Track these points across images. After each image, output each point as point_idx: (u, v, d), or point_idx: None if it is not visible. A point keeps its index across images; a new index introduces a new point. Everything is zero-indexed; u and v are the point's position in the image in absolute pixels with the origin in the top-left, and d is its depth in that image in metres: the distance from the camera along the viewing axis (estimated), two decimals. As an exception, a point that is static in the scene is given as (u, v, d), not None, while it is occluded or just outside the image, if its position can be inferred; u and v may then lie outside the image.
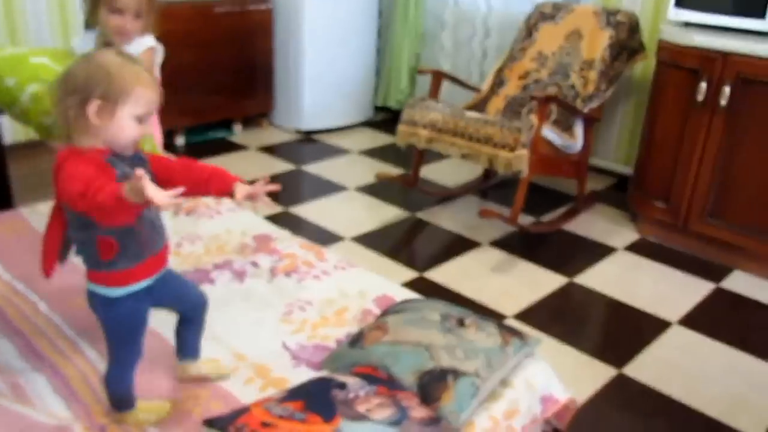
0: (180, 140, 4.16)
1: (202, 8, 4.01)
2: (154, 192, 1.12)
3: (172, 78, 3.98)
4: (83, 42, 2.05)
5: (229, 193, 1.42)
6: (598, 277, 2.84)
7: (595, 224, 3.33)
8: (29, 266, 2.33)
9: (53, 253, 1.46)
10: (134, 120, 1.28)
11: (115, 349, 1.45)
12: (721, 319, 2.59)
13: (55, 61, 1.87)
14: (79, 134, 1.29)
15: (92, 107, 1.25)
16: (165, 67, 3.89)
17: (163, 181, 1.35)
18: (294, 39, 4.24)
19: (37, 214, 2.73)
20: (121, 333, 1.43)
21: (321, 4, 4.18)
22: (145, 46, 2.05)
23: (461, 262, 2.92)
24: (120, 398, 1.48)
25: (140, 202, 1.15)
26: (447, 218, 3.33)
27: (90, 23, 2.02)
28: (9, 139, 3.19)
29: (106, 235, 1.33)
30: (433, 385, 1.57)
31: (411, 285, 2.64)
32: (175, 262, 2.09)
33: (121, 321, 1.42)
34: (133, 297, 1.41)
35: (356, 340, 1.74)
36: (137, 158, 1.37)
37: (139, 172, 1.12)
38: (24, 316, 2.09)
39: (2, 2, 3.56)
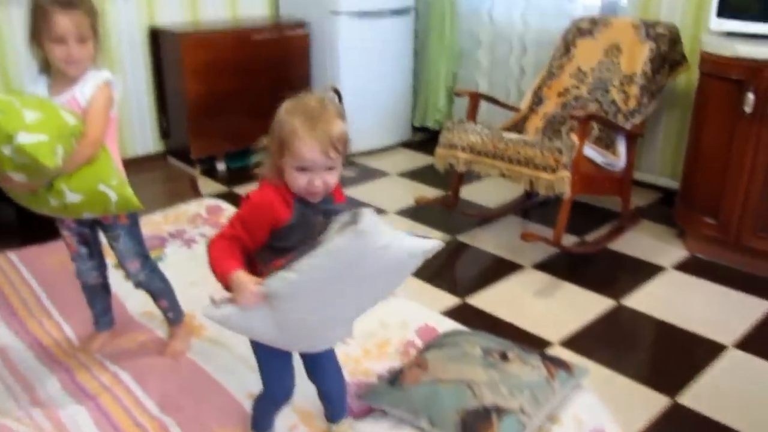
0: (221, 166, 4.21)
1: (241, 36, 4.06)
2: (242, 301, 1.32)
3: (213, 104, 4.05)
4: (34, 83, 1.92)
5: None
6: (646, 299, 2.75)
7: (641, 242, 3.24)
8: (73, 299, 2.36)
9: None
10: (296, 170, 1.36)
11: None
12: (779, 341, 2.48)
13: (11, 94, 1.77)
14: (272, 173, 1.41)
15: (273, 145, 1.38)
16: (207, 94, 3.96)
17: None
18: (330, 62, 4.26)
19: (82, 248, 2.77)
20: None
21: (356, 27, 4.19)
22: (100, 81, 1.89)
23: (503, 286, 2.87)
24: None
25: (232, 295, 1.34)
26: (488, 240, 3.28)
27: (42, 66, 1.89)
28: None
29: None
30: (477, 424, 1.53)
31: (453, 312, 2.60)
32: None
33: (262, 351, 1.54)
34: None
35: (396, 378, 1.71)
36: (328, 207, 1.45)
37: (253, 290, 1.31)
38: (65, 351, 2.12)
39: None
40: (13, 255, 2.67)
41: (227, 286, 1.37)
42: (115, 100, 1.92)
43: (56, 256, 2.67)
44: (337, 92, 1.50)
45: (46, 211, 1.86)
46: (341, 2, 4.11)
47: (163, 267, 2.60)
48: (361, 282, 1.39)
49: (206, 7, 4.26)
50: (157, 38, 4.06)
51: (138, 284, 2.06)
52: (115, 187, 1.82)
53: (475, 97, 3.36)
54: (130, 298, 2.39)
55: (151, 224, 2.98)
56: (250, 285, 1.33)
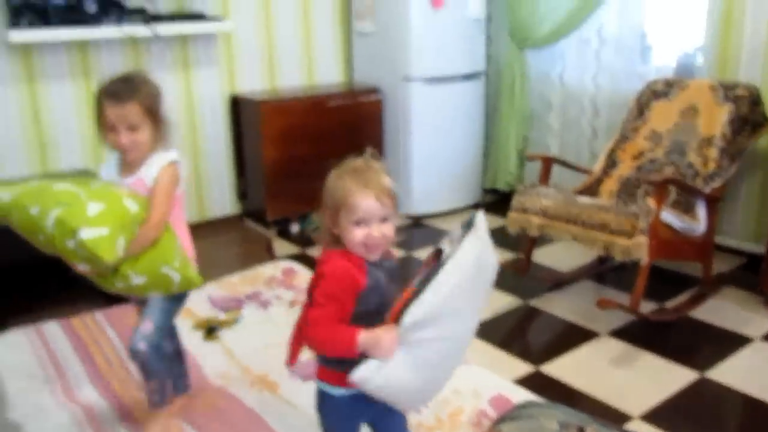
0: (294, 228, 4.30)
1: (316, 103, 4.19)
2: (383, 351, 1.36)
3: (288, 167, 4.17)
4: (107, 166, 2.03)
5: None
6: (732, 372, 2.62)
7: (725, 310, 3.11)
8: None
9: (299, 344, 1.62)
10: (354, 225, 1.43)
11: None
12: None
13: (78, 185, 1.84)
14: (329, 242, 1.48)
15: (326, 217, 1.46)
16: (283, 157, 4.07)
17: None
18: (402, 126, 4.34)
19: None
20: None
21: (428, 92, 4.27)
22: (165, 161, 1.94)
23: (579, 354, 2.80)
24: None
25: (372, 355, 1.37)
26: (561, 306, 3.21)
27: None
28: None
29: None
30: (554, 503, 1.48)
31: (526, 381, 2.54)
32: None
33: (332, 420, 1.57)
34: (348, 399, 1.52)
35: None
36: (389, 265, 1.52)
37: (390, 335, 1.35)
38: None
39: (33, 125, 3.60)
40: (99, 315, 2.78)
41: (356, 355, 1.39)
42: (182, 178, 1.98)
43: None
44: (376, 155, 1.56)
45: (114, 290, 1.91)
46: (413, 68, 4.21)
47: (240, 328, 2.67)
48: (483, 287, 1.48)
49: (284, 75, 4.44)
50: (237, 105, 4.23)
51: (135, 353, 1.95)
52: (178, 268, 1.88)
53: (548, 161, 3.35)
54: (207, 360, 2.45)
55: (228, 286, 3.06)
56: (382, 332, 1.37)
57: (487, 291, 1.52)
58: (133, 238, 1.80)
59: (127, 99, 1.85)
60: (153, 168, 1.91)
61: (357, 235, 1.43)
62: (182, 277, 1.89)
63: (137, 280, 1.84)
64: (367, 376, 1.36)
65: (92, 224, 1.71)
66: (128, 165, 1.95)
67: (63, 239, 1.71)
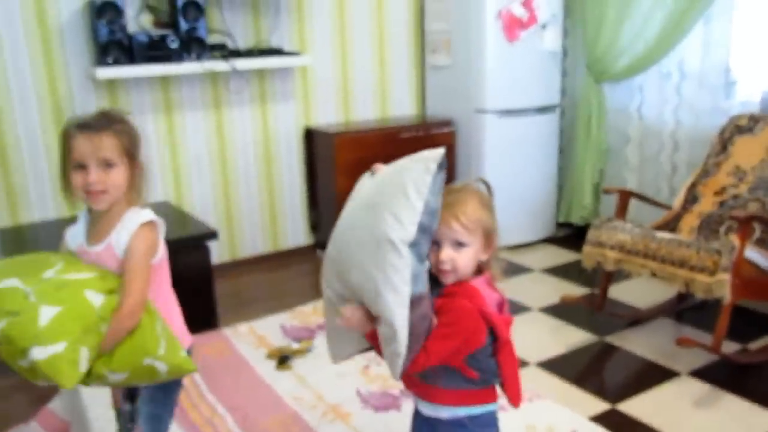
0: (365, 259, 4.33)
1: (389, 134, 4.25)
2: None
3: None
4: (73, 231, 1.67)
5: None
6: (824, 418, 2.49)
7: (815, 354, 2.96)
8: (229, 389, 2.48)
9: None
10: (433, 244, 1.42)
11: None
12: None
13: (29, 277, 1.47)
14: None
15: None
16: (351, 189, 4.12)
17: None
18: (475, 159, 4.34)
19: (239, 335, 2.94)
20: None
21: (501, 124, 4.27)
22: (136, 223, 1.58)
23: (657, 394, 2.70)
24: None
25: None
26: (639, 343, 3.12)
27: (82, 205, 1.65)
28: (213, 259, 3.42)
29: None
30: None
31: (602, 419, 2.47)
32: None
33: None
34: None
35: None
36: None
37: None
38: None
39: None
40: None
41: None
42: (160, 244, 1.63)
43: (213, 345, 2.83)
44: (486, 184, 1.54)
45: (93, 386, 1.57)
46: (488, 101, 4.22)
47: (311, 358, 2.70)
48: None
49: (357, 108, 4.52)
50: (311, 138, 4.33)
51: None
52: (163, 357, 1.53)
53: (625, 195, 3.28)
54: (281, 385, 2.48)
55: (301, 316, 3.11)
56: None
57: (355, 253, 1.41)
58: (102, 340, 1.46)
59: (102, 129, 1.55)
60: (124, 232, 1.56)
61: (432, 254, 1.42)
62: (170, 365, 1.55)
63: (116, 377, 1.52)
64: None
65: (45, 340, 1.37)
66: (97, 226, 1.61)
67: (14, 358, 1.40)
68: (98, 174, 1.53)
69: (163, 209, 3.77)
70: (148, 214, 1.60)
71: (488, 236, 1.46)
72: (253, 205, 4.26)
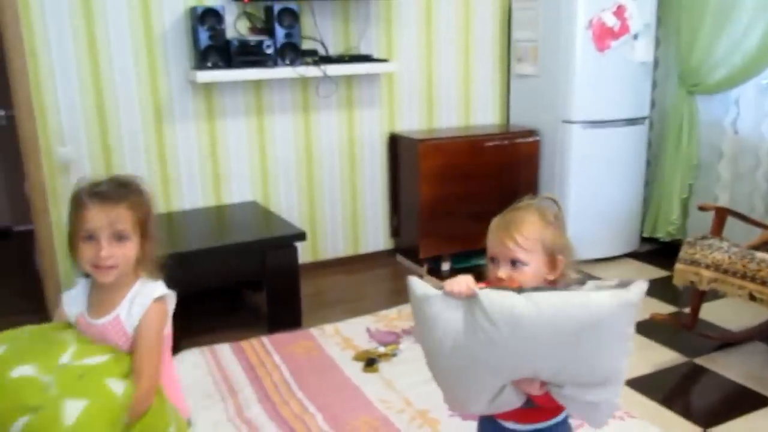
0: (446, 266, 4.33)
1: (473, 142, 4.24)
2: (452, 284, 1.37)
3: (443, 206, 4.22)
4: (71, 298, 1.59)
5: None
6: None
7: None
8: (318, 386, 2.53)
9: None
10: (489, 261, 1.45)
11: None
12: None
13: (44, 369, 1.36)
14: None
15: None
16: (438, 196, 4.13)
17: None
18: (559, 169, 4.29)
19: (325, 336, 2.99)
20: None
21: (588, 135, 4.20)
22: (150, 298, 1.50)
23: (752, 420, 2.61)
24: None
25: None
26: (730, 366, 3.02)
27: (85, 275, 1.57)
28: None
29: None
30: None
31: (695, 443, 2.41)
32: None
33: None
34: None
35: None
36: None
37: (469, 280, 1.36)
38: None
39: (211, 158, 3.84)
40: (265, 339, 2.93)
41: None
42: (169, 315, 1.57)
43: (301, 344, 2.89)
44: (555, 201, 1.51)
45: None
46: (574, 111, 4.16)
47: (397, 362, 2.73)
48: (563, 346, 1.28)
49: (441, 115, 4.54)
50: (395, 143, 4.37)
51: None
52: None
53: (722, 212, 3.19)
54: (369, 388, 2.52)
55: (386, 320, 3.14)
56: (469, 277, 1.36)
57: (560, 358, 1.29)
58: (122, 426, 1.41)
59: (118, 200, 1.47)
60: (135, 307, 1.49)
61: (491, 270, 1.43)
62: None
63: None
64: (418, 289, 1.38)
65: None
66: (102, 299, 1.52)
67: None
68: (110, 248, 1.45)
69: (250, 209, 3.88)
70: (161, 288, 1.54)
71: (552, 255, 1.42)
72: (336, 207, 4.32)
